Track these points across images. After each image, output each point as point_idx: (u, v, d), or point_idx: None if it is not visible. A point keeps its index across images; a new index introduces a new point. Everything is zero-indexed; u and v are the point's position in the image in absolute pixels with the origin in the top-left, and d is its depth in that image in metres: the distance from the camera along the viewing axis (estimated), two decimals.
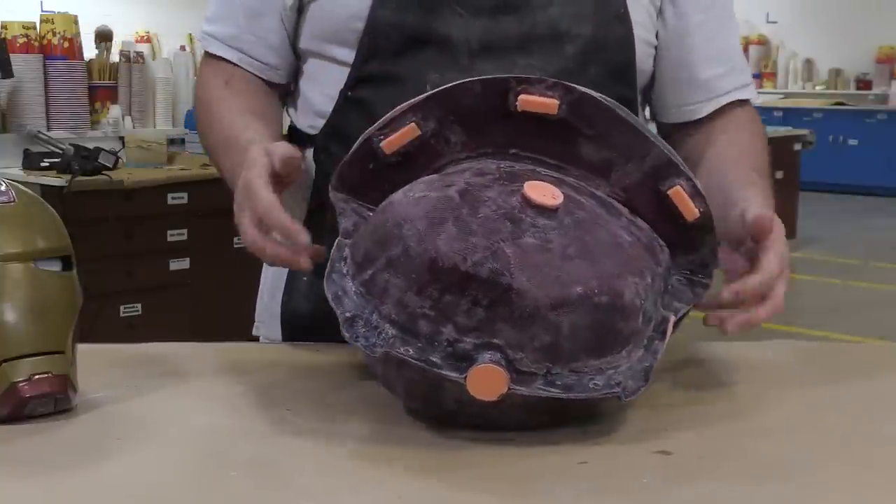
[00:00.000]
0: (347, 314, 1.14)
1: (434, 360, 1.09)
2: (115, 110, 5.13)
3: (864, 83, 13.24)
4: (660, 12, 1.54)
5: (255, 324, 1.70)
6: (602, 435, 1.17)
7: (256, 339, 1.67)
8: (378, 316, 1.13)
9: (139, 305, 4.68)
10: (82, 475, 1.08)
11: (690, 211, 1.23)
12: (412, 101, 1.25)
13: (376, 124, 1.26)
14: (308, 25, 1.52)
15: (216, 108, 1.52)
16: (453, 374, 1.08)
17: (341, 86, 1.49)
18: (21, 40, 4.87)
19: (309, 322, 1.52)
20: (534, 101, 1.22)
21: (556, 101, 1.22)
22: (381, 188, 1.25)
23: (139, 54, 5.38)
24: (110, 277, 4.52)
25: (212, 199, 4.90)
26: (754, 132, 1.57)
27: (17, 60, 4.81)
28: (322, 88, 1.52)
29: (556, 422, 1.17)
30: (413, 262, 1.10)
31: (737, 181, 1.42)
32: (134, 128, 5.23)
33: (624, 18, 1.46)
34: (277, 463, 1.11)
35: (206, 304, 4.75)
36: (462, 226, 1.10)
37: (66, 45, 4.95)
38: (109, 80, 5.18)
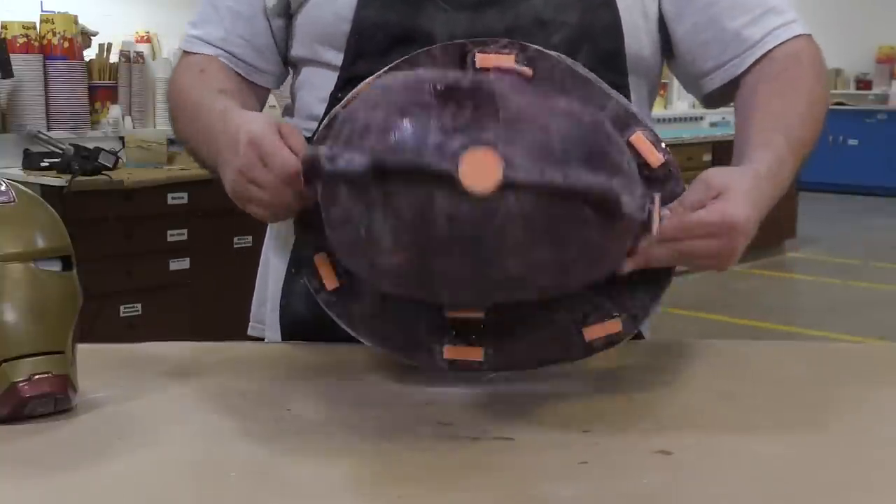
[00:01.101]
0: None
1: (424, 161, 1.05)
2: (115, 110, 5.13)
3: (864, 83, 13.24)
4: None
5: (251, 324, 1.70)
6: (602, 435, 1.17)
7: (252, 339, 1.67)
8: (359, 153, 1.08)
9: (139, 305, 4.67)
10: (82, 475, 1.08)
11: (654, 157, 1.23)
12: (380, 71, 1.25)
13: (346, 97, 1.27)
14: (298, 33, 1.54)
15: (189, 93, 1.52)
16: (445, 166, 1.04)
17: (331, 88, 1.49)
18: (21, 40, 4.87)
19: (308, 326, 1.52)
20: (491, 59, 1.22)
21: (512, 57, 1.22)
22: None
23: (139, 54, 5.38)
24: (110, 277, 4.52)
25: (212, 199, 4.86)
26: (797, 75, 1.48)
27: (17, 60, 4.81)
28: (316, 93, 1.53)
29: (556, 251, 1.12)
30: (395, 89, 1.11)
31: (754, 136, 1.37)
32: (134, 128, 5.22)
33: (610, 4, 1.44)
34: (277, 463, 1.11)
35: (206, 304, 4.74)
36: (441, 74, 1.13)
37: (66, 45, 4.94)
38: (109, 80, 5.18)
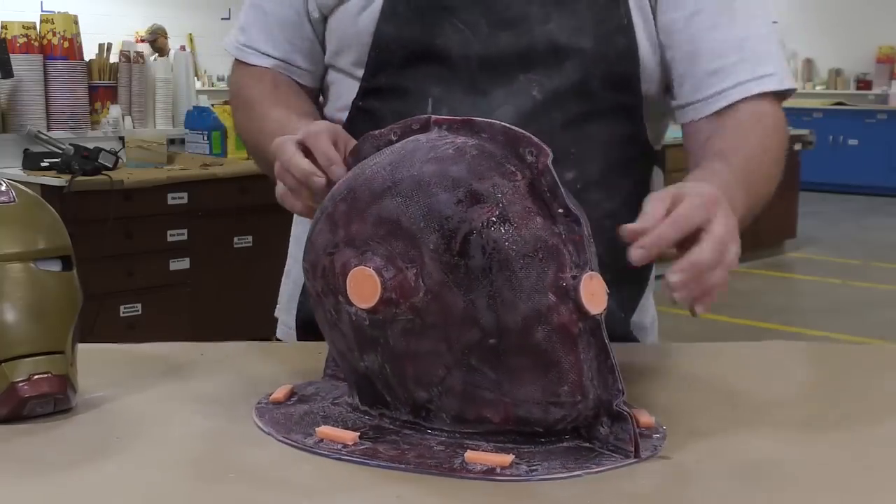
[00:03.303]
0: None
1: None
2: (114, 110, 5.14)
3: (864, 83, 13.26)
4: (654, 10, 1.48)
5: (278, 306, 1.70)
6: None
7: (271, 329, 1.68)
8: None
9: (139, 305, 4.70)
10: (82, 475, 1.08)
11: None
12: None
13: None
14: (328, 37, 1.56)
15: (264, 106, 1.54)
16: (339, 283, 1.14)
17: (353, 96, 1.52)
18: (21, 40, 4.89)
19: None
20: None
21: None
22: None
23: (139, 54, 5.39)
24: (110, 277, 4.55)
25: (212, 199, 4.93)
26: (755, 129, 1.42)
27: (18, 60, 4.83)
28: (338, 98, 1.56)
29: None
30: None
31: (697, 168, 1.35)
32: (134, 128, 5.24)
33: (627, 30, 1.43)
34: (276, 463, 1.11)
35: (206, 304, 4.75)
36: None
37: (66, 45, 4.96)
38: (109, 80, 5.19)
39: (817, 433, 1.21)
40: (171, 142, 5.29)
